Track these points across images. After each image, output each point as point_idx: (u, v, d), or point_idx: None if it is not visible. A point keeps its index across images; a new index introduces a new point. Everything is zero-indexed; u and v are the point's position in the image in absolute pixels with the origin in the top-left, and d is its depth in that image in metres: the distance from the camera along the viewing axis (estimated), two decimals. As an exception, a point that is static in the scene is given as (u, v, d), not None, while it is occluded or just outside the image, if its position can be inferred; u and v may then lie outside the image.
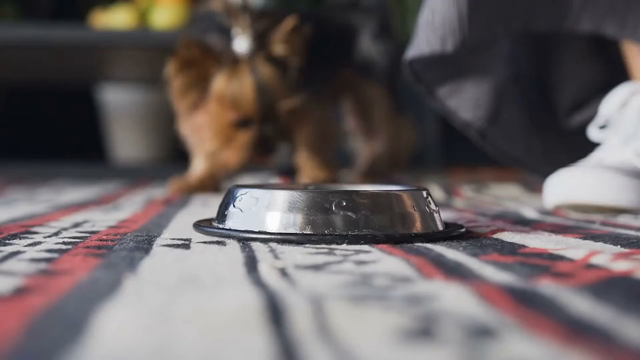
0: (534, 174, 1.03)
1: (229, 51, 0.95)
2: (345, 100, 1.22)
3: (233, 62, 0.94)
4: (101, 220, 0.64)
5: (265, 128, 0.96)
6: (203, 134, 0.99)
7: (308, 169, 1.08)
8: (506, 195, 1.00)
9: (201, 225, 0.54)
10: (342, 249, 0.46)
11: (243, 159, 0.97)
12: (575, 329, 0.26)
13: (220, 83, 0.94)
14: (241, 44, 0.95)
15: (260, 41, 0.95)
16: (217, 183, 1.05)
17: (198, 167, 1.05)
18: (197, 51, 0.94)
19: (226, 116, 0.95)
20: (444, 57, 0.89)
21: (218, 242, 0.49)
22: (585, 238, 0.51)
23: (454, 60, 0.91)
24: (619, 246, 0.47)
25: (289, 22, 0.95)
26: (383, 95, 1.21)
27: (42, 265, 0.39)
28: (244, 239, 0.50)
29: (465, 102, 0.93)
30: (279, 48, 0.95)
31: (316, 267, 0.39)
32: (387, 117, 1.22)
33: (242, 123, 0.95)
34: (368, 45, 1.19)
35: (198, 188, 1.03)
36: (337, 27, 1.18)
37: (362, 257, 0.43)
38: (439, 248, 0.47)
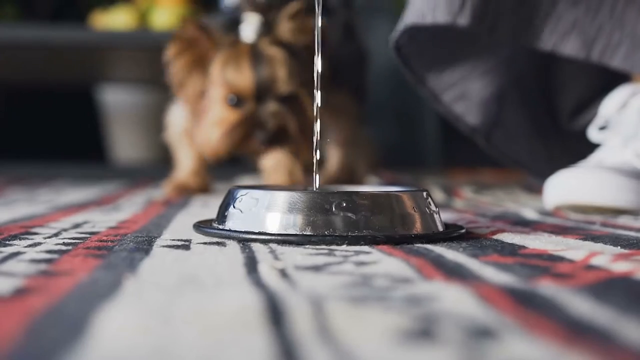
0: (538, 178, 1.03)
1: (230, 34, 0.90)
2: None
3: (234, 43, 0.88)
4: (101, 221, 0.64)
5: (260, 110, 0.87)
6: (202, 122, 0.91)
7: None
8: (506, 196, 1.00)
9: (201, 226, 0.54)
10: (342, 250, 0.46)
11: (229, 141, 0.88)
12: (575, 330, 0.26)
13: (218, 62, 0.88)
14: (247, 29, 0.90)
15: (267, 28, 0.90)
16: (204, 179, 1.01)
17: (184, 162, 1.02)
18: (196, 31, 0.89)
19: (221, 97, 0.88)
20: (450, 63, 0.89)
21: (218, 243, 0.49)
22: (585, 239, 0.51)
23: (461, 66, 0.91)
24: (619, 247, 0.47)
25: (294, 5, 0.90)
26: (351, 103, 1.16)
27: (42, 266, 0.39)
28: (244, 240, 0.50)
29: (472, 107, 0.93)
30: (284, 30, 0.89)
31: (316, 268, 0.39)
32: (354, 126, 1.17)
33: (236, 104, 0.87)
34: (334, 49, 1.13)
35: (188, 186, 0.99)
36: None
37: (362, 258, 0.43)
38: (439, 249, 0.47)
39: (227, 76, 0.87)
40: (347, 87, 1.15)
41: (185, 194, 0.99)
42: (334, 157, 1.18)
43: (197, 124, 0.91)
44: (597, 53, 0.78)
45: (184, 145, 1.02)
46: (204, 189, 1.02)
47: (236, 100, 0.87)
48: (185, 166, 1.02)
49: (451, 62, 0.92)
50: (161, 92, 1.21)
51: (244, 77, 0.86)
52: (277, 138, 0.87)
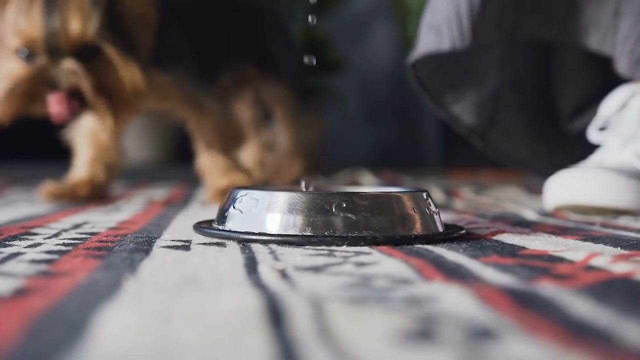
0: (539, 176, 1.03)
1: None
2: (243, 98, 1.08)
3: None
4: (101, 221, 0.64)
5: (53, 67, 0.73)
6: None
7: (216, 175, 0.89)
8: (506, 197, 1.00)
9: (201, 227, 0.54)
10: (342, 251, 0.46)
11: (11, 101, 0.74)
12: (575, 331, 0.26)
13: (12, 5, 0.74)
14: None
15: None
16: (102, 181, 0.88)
17: None
18: None
19: (12, 48, 0.74)
20: (447, 64, 0.89)
21: (218, 244, 0.49)
22: (585, 240, 0.51)
23: (456, 67, 0.91)
24: (619, 248, 0.47)
25: None
26: (287, 95, 1.08)
27: (42, 267, 0.39)
28: (244, 241, 0.50)
29: (468, 107, 0.94)
30: None
31: (316, 269, 0.39)
32: (291, 118, 1.10)
33: (27, 57, 0.74)
34: (268, 37, 1.03)
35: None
36: (238, 11, 0.99)
37: (362, 258, 0.43)
38: (439, 250, 0.47)
39: (18, 23, 0.74)
40: (282, 79, 1.06)
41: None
42: (284, 138, 1.12)
43: None
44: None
45: None
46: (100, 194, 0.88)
47: (27, 52, 0.74)
48: None
49: (449, 63, 0.92)
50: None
51: (33, 25, 0.73)
52: (74, 101, 0.74)
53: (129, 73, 0.76)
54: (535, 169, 1.02)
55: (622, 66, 0.77)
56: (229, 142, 0.91)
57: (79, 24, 0.73)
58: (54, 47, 0.73)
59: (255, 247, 0.48)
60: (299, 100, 1.09)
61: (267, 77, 1.04)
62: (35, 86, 0.73)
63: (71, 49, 0.73)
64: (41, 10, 0.72)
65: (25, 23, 0.73)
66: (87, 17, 0.73)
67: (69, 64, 0.73)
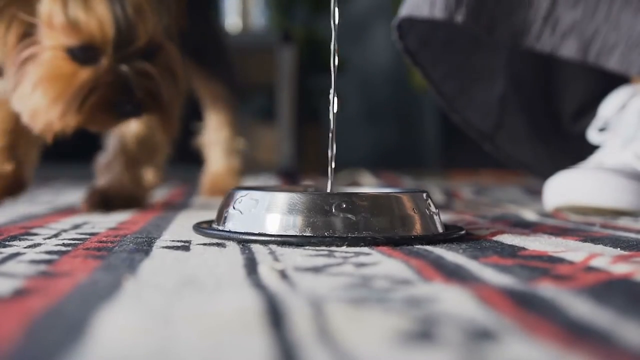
0: (543, 179, 1.03)
1: None
2: None
3: None
4: (101, 221, 0.64)
5: (123, 68, 0.62)
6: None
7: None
8: (506, 198, 1.00)
9: (201, 227, 0.54)
10: (341, 251, 0.46)
11: (77, 111, 0.62)
12: (575, 332, 0.26)
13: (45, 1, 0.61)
14: None
15: None
16: (20, 167, 0.70)
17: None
18: None
19: (58, 45, 0.61)
20: (458, 69, 0.89)
21: (218, 244, 0.49)
22: (585, 240, 0.51)
23: (467, 72, 0.91)
24: (619, 249, 0.47)
25: None
26: (225, 94, 0.99)
27: (42, 267, 0.39)
28: (244, 241, 0.50)
29: (478, 110, 0.94)
30: None
31: (316, 269, 0.39)
32: (228, 120, 1.00)
33: (84, 57, 0.62)
34: (203, 26, 0.92)
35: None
36: None
37: (362, 259, 0.43)
38: (439, 250, 0.47)
39: (70, 14, 0.60)
40: (220, 74, 0.98)
41: None
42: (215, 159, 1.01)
43: (18, 83, 0.63)
44: (593, 55, 0.78)
45: None
46: (12, 184, 0.71)
47: (85, 52, 0.62)
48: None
49: (463, 68, 0.92)
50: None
51: (99, 18, 0.60)
52: (145, 108, 0.64)
53: (183, 76, 0.68)
54: (539, 172, 1.02)
55: (632, 66, 0.76)
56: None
57: (154, 18, 0.63)
58: (123, 45, 0.62)
59: (255, 247, 0.48)
60: (235, 101, 1.01)
61: (203, 71, 0.93)
62: (103, 92, 0.62)
63: (143, 48, 0.63)
64: (105, 1, 0.61)
65: (84, 15, 0.60)
66: (159, 14, 0.64)
67: (141, 65, 0.63)
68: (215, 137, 1.02)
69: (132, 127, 0.75)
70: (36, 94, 0.62)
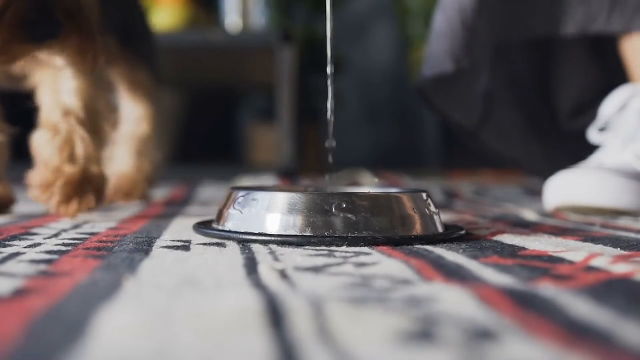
0: (534, 176, 1.03)
1: None
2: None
3: None
4: (101, 221, 0.64)
5: None
6: None
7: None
8: (506, 197, 1.00)
9: (201, 227, 0.54)
10: (341, 251, 0.46)
11: None
12: (575, 332, 0.26)
13: None
14: None
15: None
16: None
17: None
18: None
19: None
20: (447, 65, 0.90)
21: (218, 244, 0.49)
22: (585, 240, 0.51)
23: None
24: (619, 248, 0.47)
25: None
26: (148, 82, 0.85)
27: (42, 267, 0.39)
28: (244, 241, 0.50)
29: (459, 106, 0.94)
30: None
31: (316, 269, 0.39)
32: (149, 111, 0.86)
33: None
34: (127, 7, 0.82)
35: None
36: None
37: (361, 259, 0.43)
38: (439, 250, 0.47)
39: None
40: (147, 61, 0.86)
41: None
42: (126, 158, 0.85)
43: None
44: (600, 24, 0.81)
45: None
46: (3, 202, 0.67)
47: None
48: None
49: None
50: (162, 92, 1.10)
51: None
52: (65, 29, 0.54)
53: None
54: (530, 168, 1.02)
55: (615, 24, 0.80)
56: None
57: None
58: None
59: (255, 247, 0.48)
60: (157, 93, 0.88)
61: (126, 53, 0.81)
62: (19, 7, 0.52)
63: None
64: None
65: None
66: None
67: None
68: (129, 132, 0.85)
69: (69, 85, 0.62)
70: None
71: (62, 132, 0.62)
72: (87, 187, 0.63)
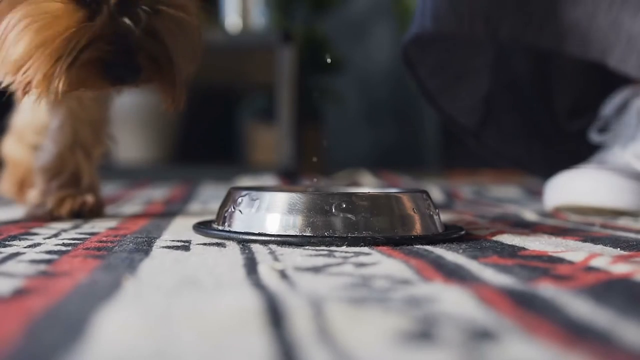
0: (536, 177, 1.03)
1: None
2: None
3: None
4: (101, 221, 0.64)
5: (122, 23, 0.50)
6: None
7: None
8: (506, 198, 1.00)
9: (201, 227, 0.54)
10: (341, 251, 0.46)
11: (65, 70, 0.49)
12: (575, 332, 0.26)
13: None
14: None
15: None
16: None
17: None
18: None
19: None
20: (443, 67, 0.89)
21: (218, 244, 0.49)
22: (585, 240, 0.51)
23: (452, 70, 0.91)
24: (619, 249, 0.47)
25: None
26: None
27: (42, 267, 0.39)
28: (244, 241, 0.50)
29: (462, 108, 0.94)
30: None
31: (316, 269, 0.39)
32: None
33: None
34: None
35: None
36: None
37: (361, 259, 0.43)
38: (439, 250, 0.47)
39: None
40: None
41: None
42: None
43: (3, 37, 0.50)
44: (596, 53, 0.78)
45: None
46: None
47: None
48: None
49: (445, 67, 0.93)
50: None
51: None
52: (145, 75, 0.53)
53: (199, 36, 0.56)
54: (530, 169, 1.02)
55: (630, 66, 0.76)
56: None
57: None
58: None
59: (255, 247, 0.48)
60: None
61: None
62: (99, 46, 0.50)
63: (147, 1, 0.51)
64: None
65: None
66: None
67: (147, 19, 0.51)
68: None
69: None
70: (20, 42, 0.49)
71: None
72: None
